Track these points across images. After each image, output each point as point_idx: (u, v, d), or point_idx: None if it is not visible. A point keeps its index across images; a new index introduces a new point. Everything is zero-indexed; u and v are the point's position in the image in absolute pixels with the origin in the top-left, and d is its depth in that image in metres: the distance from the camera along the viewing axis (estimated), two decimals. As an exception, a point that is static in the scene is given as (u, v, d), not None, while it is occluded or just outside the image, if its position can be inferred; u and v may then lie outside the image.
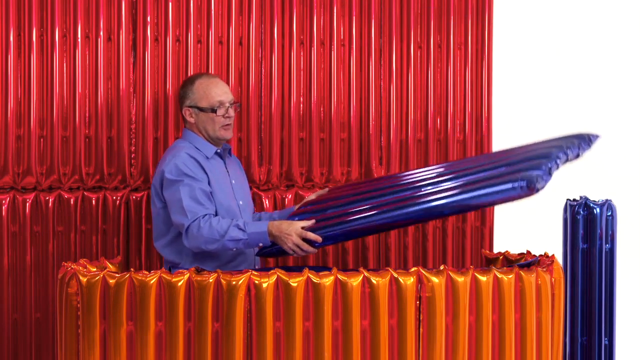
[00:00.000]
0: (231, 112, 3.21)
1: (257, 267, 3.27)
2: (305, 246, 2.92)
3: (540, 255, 2.98)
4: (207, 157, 3.19)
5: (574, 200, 3.55)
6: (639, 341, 4.29)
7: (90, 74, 3.54)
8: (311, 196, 3.32)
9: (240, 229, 2.95)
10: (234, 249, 3.01)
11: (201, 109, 3.19)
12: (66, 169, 3.53)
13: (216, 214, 3.08)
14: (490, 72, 3.95)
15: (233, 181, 3.26)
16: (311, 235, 2.90)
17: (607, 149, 4.30)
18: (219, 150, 3.24)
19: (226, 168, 3.27)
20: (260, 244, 2.99)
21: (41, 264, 3.51)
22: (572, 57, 4.26)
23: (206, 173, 3.12)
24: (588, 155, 4.26)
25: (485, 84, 3.94)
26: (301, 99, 3.75)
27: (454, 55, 3.90)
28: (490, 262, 3.27)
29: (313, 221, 2.95)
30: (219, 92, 3.19)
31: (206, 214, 3.00)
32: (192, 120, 3.22)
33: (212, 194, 3.11)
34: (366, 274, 2.64)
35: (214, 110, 3.17)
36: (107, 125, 3.56)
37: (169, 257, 3.18)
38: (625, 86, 4.34)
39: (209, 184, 3.11)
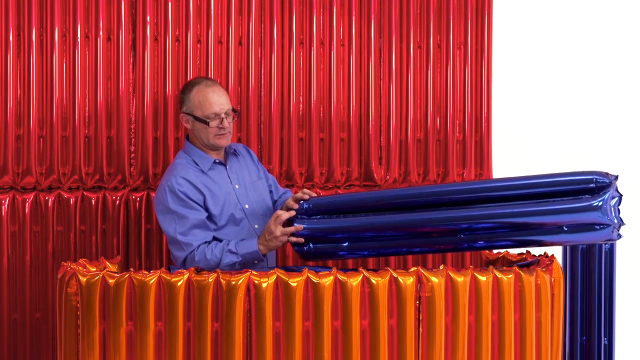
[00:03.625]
0: (225, 123, 3.17)
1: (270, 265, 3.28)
2: (291, 229, 2.97)
3: (540, 255, 2.98)
4: (204, 171, 3.19)
5: (574, 200, 3.54)
6: (638, 341, 4.29)
7: (89, 74, 3.54)
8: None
9: (232, 252, 3.02)
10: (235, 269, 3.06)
11: (196, 118, 3.18)
12: (66, 169, 3.53)
13: (214, 237, 3.11)
14: (490, 72, 3.95)
15: (236, 186, 3.24)
16: (286, 216, 3.00)
17: (607, 149, 4.30)
18: (217, 160, 3.23)
19: (228, 175, 3.26)
20: (256, 261, 3.04)
21: (41, 263, 3.51)
22: (572, 57, 4.26)
23: (202, 193, 3.13)
24: (587, 155, 4.28)
25: (485, 84, 3.94)
26: (301, 99, 3.75)
27: (453, 55, 3.90)
28: (490, 262, 3.27)
29: (292, 212, 3.02)
30: (214, 103, 3.16)
31: (200, 245, 3.05)
32: (188, 126, 3.23)
33: (210, 210, 3.12)
34: (366, 273, 2.64)
35: (206, 122, 3.16)
36: (106, 125, 3.56)
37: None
38: (625, 86, 4.34)
39: (204, 202, 3.12)
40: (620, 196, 2.80)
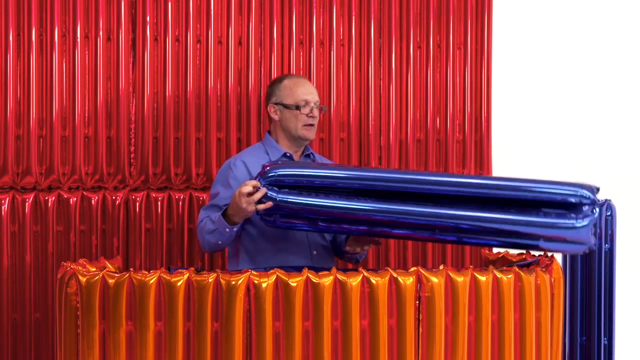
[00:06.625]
0: (315, 113, 3.17)
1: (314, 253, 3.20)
2: (258, 197, 2.81)
3: (540, 255, 2.98)
4: (271, 160, 3.16)
5: (574, 200, 3.54)
6: (638, 341, 4.29)
7: (89, 74, 3.54)
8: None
9: (211, 220, 3.00)
10: (220, 242, 3.01)
11: (286, 106, 3.17)
12: (65, 169, 3.53)
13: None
14: (489, 72, 3.95)
15: None
16: (252, 183, 2.83)
17: (606, 149, 4.31)
18: (288, 154, 3.20)
19: None
20: (227, 229, 2.96)
21: (41, 264, 3.51)
22: (572, 57, 4.26)
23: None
24: (587, 155, 4.28)
25: (485, 84, 3.94)
26: (301, 99, 3.75)
27: (453, 55, 3.90)
28: (489, 262, 3.27)
29: (263, 190, 2.83)
30: (305, 91, 3.18)
31: (205, 217, 3.06)
32: (276, 117, 3.20)
33: None
34: (365, 273, 2.64)
35: (298, 108, 3.15)
36: (106, 125, 3.56)
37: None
38: (625, 86, 4.34)
39: None
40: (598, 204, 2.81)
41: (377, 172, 2.94)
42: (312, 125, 3.17)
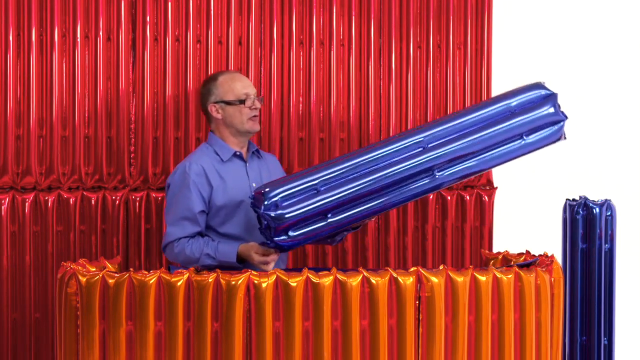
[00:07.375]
0: (257, 104, 3.19)
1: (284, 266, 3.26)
2: (270, 258, 2.91)
3: (540, 255, 2.98)
4: (223, 160, 3.18)
5: (574, 200, 3.55)
6: (638, 341, 4.29)
7: (89, 74, 3.54)
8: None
9: (210, 256, 3.00)
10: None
11: (228, 103, 3.18)
12: (65, 169, 3.54)
13: (201, 233, 3.09)
14: (489, 72, 3.95)
15: (254, 184, 3.19)
16: (261, 253, 2.92)
17: (606, 149, 4.31)
18: (238, 153, 3.22)
19: (247, 171, 3.23)
20: (236, 264, 3.01)
21: (40, 264, 3.51)
22: (571, 57, 4.26)
23: (210, 184, 3.11)
24: (587, 155, 4.28)
25: (485, 84, 3.94)
26: (300, 99, 3.75)
27: (453, 55, 3.90)
28: (489, 262, 3.27)
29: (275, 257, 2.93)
30: (243, 84, 3.20)
31: (182, 238, 3.05)
32: (218, 116, 3.20)
33: (216, 202, 3.10)
34: (365, 274, 2.64)
35: (242, 102, 3.16)
36: (106, 125, 3.56)
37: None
38: (625, 86, 4.34)
39: (211, 193, 3.11)
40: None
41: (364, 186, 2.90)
42: (256, 116, 3.20)
